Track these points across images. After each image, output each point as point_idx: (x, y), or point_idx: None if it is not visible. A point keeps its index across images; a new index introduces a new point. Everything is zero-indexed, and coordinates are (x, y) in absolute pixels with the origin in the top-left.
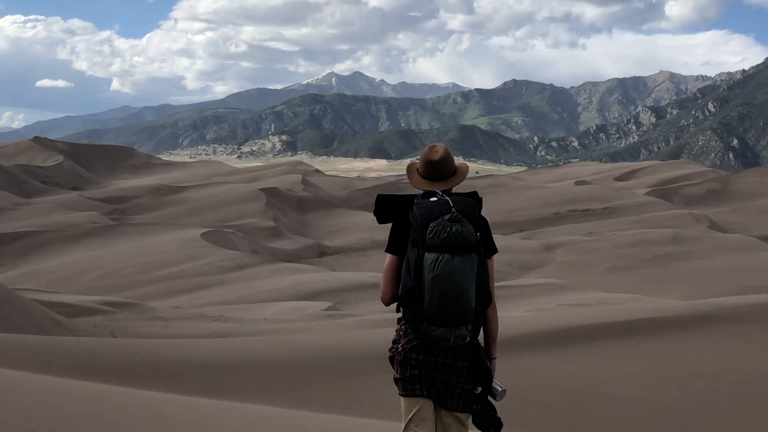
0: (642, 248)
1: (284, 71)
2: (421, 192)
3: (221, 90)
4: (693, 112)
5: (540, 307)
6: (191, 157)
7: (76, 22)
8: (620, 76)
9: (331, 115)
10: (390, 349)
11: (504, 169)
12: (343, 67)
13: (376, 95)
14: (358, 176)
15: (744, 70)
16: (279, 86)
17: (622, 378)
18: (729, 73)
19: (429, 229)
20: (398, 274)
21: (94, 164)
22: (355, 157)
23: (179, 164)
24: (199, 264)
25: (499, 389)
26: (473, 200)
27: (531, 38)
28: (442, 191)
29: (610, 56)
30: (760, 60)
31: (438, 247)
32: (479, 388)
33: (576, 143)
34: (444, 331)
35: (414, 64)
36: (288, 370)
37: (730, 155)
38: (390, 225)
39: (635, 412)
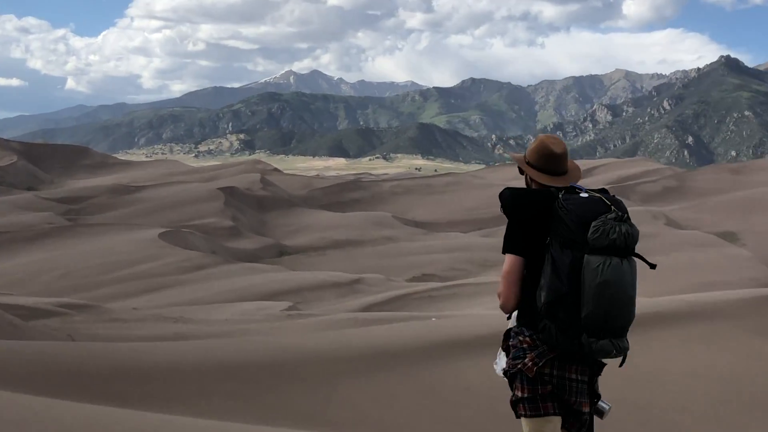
0: None
1: (242, 70)
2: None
3: (178, 88)
4: (648, 110)
5: None
6: (147, 157)
7: (30, 20)
8: (577, 74)
9: (290, 114)
10: (512, 365)
11: (462, 167)
12: (301, 66)
13: (335, 94)
14: (317, 175)
15: (699, 69)
16: (237, 85)
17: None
18: (684, 72)
19: (593, 229)
20: (522, 278)
21: (49, 164)
22: (314, 155)
23: (136, 163)
24: (157, 264)
25: (606, 407)
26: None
27: (489, 37)
28: (559, 186)
29: (568, 55)
30: (714, 58)
31: (605, 249)
32: (607, 406)
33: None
34: (606, 343)
35: (373, 63)
36: (257, 373)
37: (685, 153)
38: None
39: (612, 411)
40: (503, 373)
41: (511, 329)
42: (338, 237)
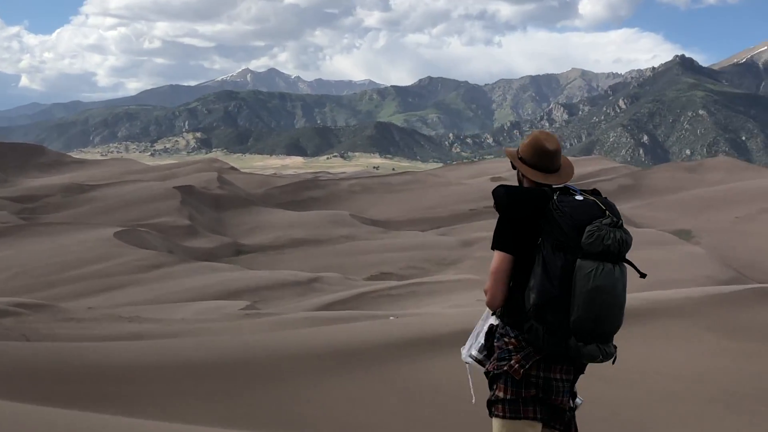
0: None
1: (198, 68)
2: (546, 187)
3: (134, 86)
4: (604, 109)
5: (458, 302)
6: (103, 155)
7: None
8: (534, 73)
9: (246, 112)
10: (498, 366)
11: (420, 165)
12: (258, 64)
13: (292, 92)
14: (275, 173)
15: (654, 68)
16: (193, 83)
17: None
18: (639, 71)
19: (587, 233)
20: (510, 276)
21: (2, 162)
22: (271, 154)
23: (91, 162)
24: (113, 264)
25: (579, 402)
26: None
27: (447, 36)
28: (556, 185)
29: (525, 54)
30: (669, 57)
31: (598, 254)
32: (580, 401)
33: (490, 140)
34: (593, 348)
35: (330, 61)
36: (219, 372)
37: (641, 151)
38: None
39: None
40: (472, 360)
41: (495, 328)
42: (296, 236)
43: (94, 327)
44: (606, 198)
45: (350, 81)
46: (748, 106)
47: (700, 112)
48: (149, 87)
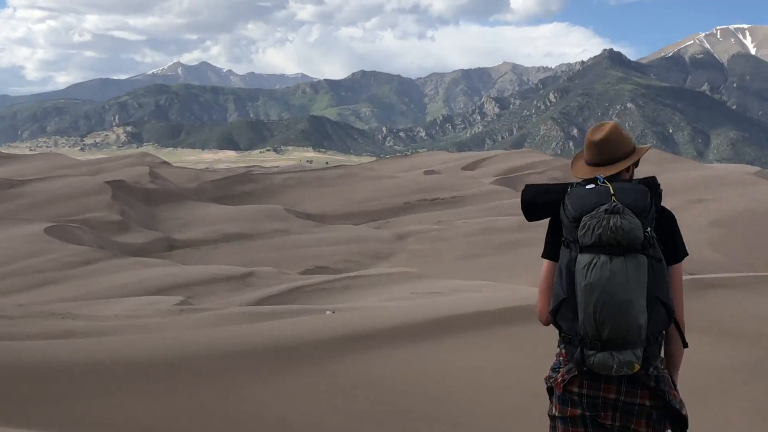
0: (490, 236)
1: (129, 61)
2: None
3: (63, 80)
4: (535, 103)
5: (394, 296)
6: (31, 150)
7: None
8: (466, 67)
9: (178, 106)
10: (547, 379)
11: (353, 159)
12: (190, 57)
13: (224, 86)
14: (207, 168)
15: (583, 62)
16: (124, 76)
17: (497, 367)
18: (569, 65)
19: (582, 224)
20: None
21: None
22: (204, 148)
23: (19, 157)
24: (43, 260)
25: None
26: (644, 186)
27: (380, 29)
28: (606, 177)
29: (457, 48)
30: (598, 51)
31: (592, 246)
32: None
33: (423, 133)
34: (604, 356)
35: (263, 55)
36: (156, 369)
37: (570, 144)
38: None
39: (514, 399)
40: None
41: None
42: (230, 230)
43: (26, 324)
44: (641, 185)
45: (283, 75)
46: (675, 99)
47: (629, 105)
48: (79, 81)
